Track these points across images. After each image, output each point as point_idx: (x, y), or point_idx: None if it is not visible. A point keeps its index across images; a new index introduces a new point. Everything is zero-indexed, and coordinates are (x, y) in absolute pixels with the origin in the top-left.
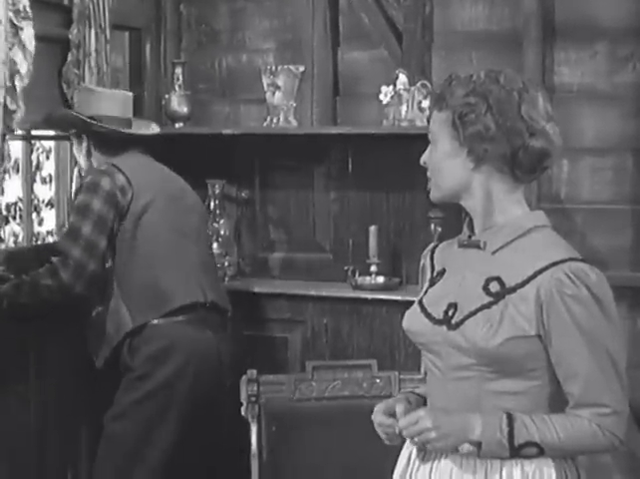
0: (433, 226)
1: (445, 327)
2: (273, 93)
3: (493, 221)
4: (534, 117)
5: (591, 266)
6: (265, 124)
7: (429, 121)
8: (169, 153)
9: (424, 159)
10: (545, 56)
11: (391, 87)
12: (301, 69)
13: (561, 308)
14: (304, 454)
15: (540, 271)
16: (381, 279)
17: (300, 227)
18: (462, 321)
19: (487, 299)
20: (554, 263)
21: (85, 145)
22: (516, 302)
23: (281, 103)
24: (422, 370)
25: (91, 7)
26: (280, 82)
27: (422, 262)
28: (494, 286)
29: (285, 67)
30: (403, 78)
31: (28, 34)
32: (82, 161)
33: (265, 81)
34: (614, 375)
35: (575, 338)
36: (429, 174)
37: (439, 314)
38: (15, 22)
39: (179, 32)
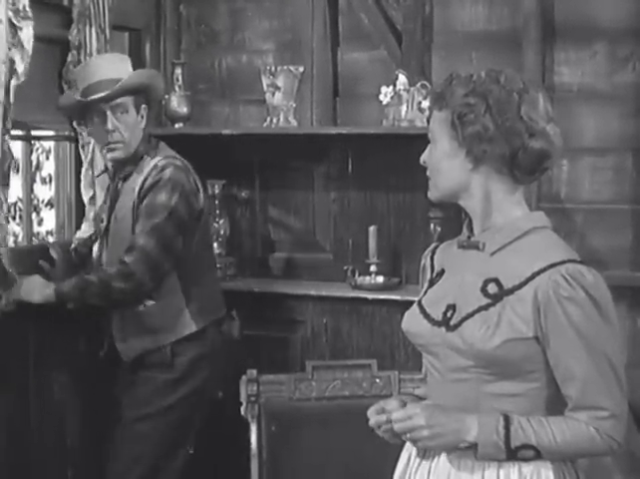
0: (433, 226)
1: (443, 329)
2: (273, 93)
3: (492, 221)
4: (534, 118)
5: (589, 268)
6: (265, 124)
7: (428, 120)
8: None
9: (423, 158)
10: (545, 56)
11: (391, 87)
12: (301, 69)
13: (558, 311)
14: (304, 454)
15: (538, 273)
16: (381, 279)
17: (300, 227)
18: (459, 323)
19: (485, 301)
20: (552, 265)
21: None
22: (514, 304)
23: (281, 103)
24: (423, 371)
25: (91, 7)
26: (280, 82)
27: (422, 263)
28: (492, 288)
29: (285, 67)
30: (402, 78)
31: (27, 34)
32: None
33: (265, 81)
34: (612, 378)
35: (572, 341)
36: (428, 173)
37: (437, 316)
38: (14, 22)
39: (179, 32)
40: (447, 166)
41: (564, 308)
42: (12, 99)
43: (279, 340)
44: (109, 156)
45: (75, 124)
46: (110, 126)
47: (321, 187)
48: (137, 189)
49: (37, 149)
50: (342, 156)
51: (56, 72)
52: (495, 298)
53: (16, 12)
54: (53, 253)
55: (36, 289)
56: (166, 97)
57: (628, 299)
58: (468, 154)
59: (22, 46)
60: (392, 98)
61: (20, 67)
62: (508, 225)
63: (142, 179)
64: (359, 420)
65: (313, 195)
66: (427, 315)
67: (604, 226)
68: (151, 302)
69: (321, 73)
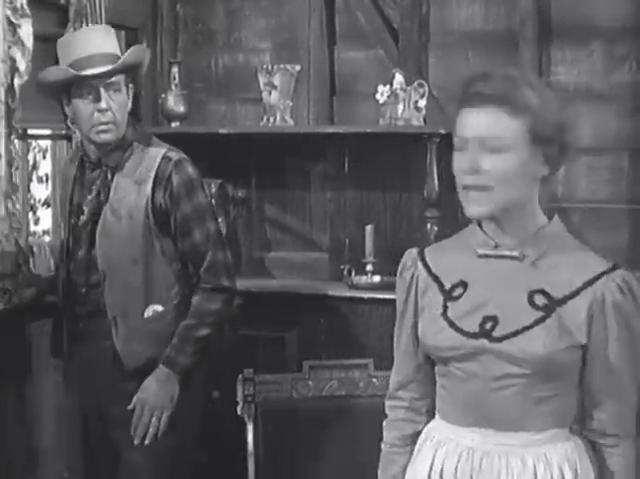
0: (429, 225)
1: (485, 340)
2: (270, 92)
3: (527, 230)
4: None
5: (631, 273)
6: (262, 123)
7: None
8: None
9: (486, 167)
10: (542, 55)
11: (387, 86)
12: (297, 68)
13: (611, 320)
14: (301, 453)
15: (590, 283)
16: (377, 279)
17: (296, 226)
18: (513, 335)
19: (539, 314)
20: (603, 273)
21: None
22: (569, 313)
23: (278, 102)
24: (413, 375)
25: (87, 6)
26: (277, 81)
27: (410, 272)
28: (540, 299)
29: (282, 66)
30: (399, 77)
31: (26, 32)
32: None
33: (262, 80)
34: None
35: (617, 352)
36: (488, 181)
37: (473, 328)
38: (13, 20)
39: (176, 31)
40: (522, 174)
41: (617, 319)
42: (17, 99)
43: (276, 340)
44: (99, 138)
45: (69, 121)
46: (104, 104)
47: (318, 186)
48: (148, 185)
49: (34, 148)
50: (339, 155)
51: None
52: (547, 310)
53: (14, 10)
54: None
55: (161, 391)
56: (163, 96)
57: None
58: (546, 160)
59: (22, 44)
60: (389, 97)
61: (22, 65)
62: (541, 233)
63: (151, 173)
64: (356, 420)
65: (310, 194)
66: (458, 329)
67: (601, 225)
68: (159, 309)
69: (318, 72)
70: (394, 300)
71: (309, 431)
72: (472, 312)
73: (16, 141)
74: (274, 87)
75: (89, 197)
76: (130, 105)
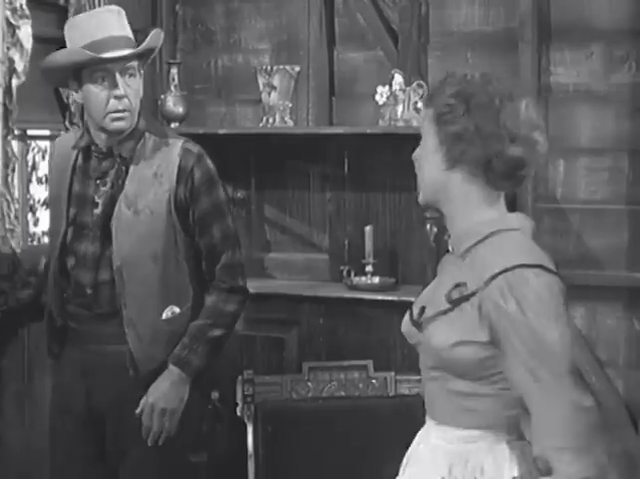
0: (429, 226)
1: (417, 329)
2: (269, 93)
3: (464, 225)
4: (513, 125)
5: (538, 272)
6: (261, 124)
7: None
8: None
9: (415, 155)
10: (541, 56)
11: (387, 87)
12: (297, 69)
13: (502, 319)
14: (300, 454)
15: (491, 279)
16: (377, 280)
17: (296, 227)
18: (425, 325)
19: (446, 305)
20: (503, 271)
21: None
22: (469, 309)
23: (277, 103)
24: None
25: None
26: (276, 82)
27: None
28: (456, 293)
29: (281, 67)
30: (398, 78)
31: (25, 33)
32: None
33: (261, 81)
34: (546, 397)
35: (516, 350)
36: (416, 169)
37: (416, 316)
38: (12, 21)
39: (175, 32)
40: (427, 162)
41: (508, 317)
42: (15, 100)
43: (275, 341)
44: (114, 125)
45: (67, 122)
46: (122, 90)
47: (317, 187)
48: (171, 179)
49: (33, 148)
50: (338, 156)
51: None
52: (455, 303)
53: (13, 11)
54: None
55: (172, 392)
56: (162, 96)
57: (625, 300)
58: (446, 153)
59: (21, 45)
60: (388, 98)
61: (20, 66)
62: (475, 227)
63: (172, 167)
64: (355, 421)
65: (309, 195)
66: (412, 317)
67: (600, 226)
68: (177, 310)
69: (317, 73)
70: (393, 301)
71: (309, 432)
72: (420, 302)
73: (14, 142)
74: (274, 88)
75: (103, 188)
76: (141, 92)
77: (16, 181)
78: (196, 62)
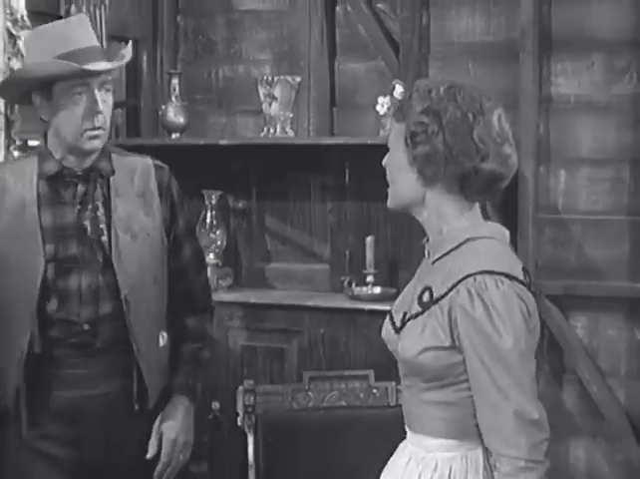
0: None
1: (396, 335)
2: (270, 103)
3: (441, 232)
4: (487, 141)
5: (498, 279)
6: (262, 134)
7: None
8: (166, 163)
9: (384, 162)
10: (542, 67)
11: (387, 97)
12: (298, 80)
13: (463, 324)
14: (301, 464)
15: (455, 285)
16: (378, 290)
17: (297, 237)
18: (399, 331)
19: (417, 309)
20: (467, 276)
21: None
22: (437, 314)
23: (278, 113)
24: None
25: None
26: (277, 93)
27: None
28: (426, 297)
29: (282, 78)
30: (399, 89)
31: None
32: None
33: (262, 92)
34: (501, 400)
35: (471, 355)
36: (387, 177)
37: (398, 323)
38: (13, 32)
39: (176, 43)
40: (402, 178)
41: (465, 324)
42: (17, 110)
43: (276, 351)
44: (90, 145)
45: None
46: (101, 106)
47: (318, 197)
48: (156, 198)
49: None
50: (339, 166)
51: None
52: (425, 307)
53: (14, 22)
54: None
55: (186, 424)
56: (163, 107)
57: (626, 310)
58: (419, 172)
59: (22, 55)
60: (389, 108)
61: None
62: (449, 235)
63: (152, 185)
64: (356, 431)
65: (310, 205)
66: (393, 323)
67: (602, 236)
68: (166, 336)
69: (318, 83)
70: None
71: (309, 442)
72: (399, 308)
73: (15, 152)
74: (274, 98)
75: (87, 214)
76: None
77: None
78: (197, 72)
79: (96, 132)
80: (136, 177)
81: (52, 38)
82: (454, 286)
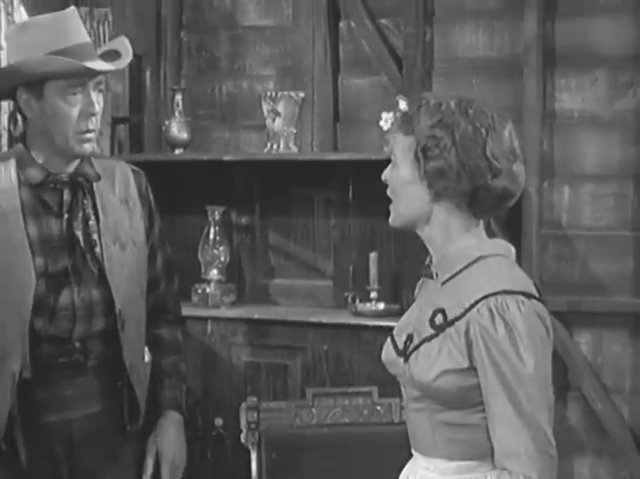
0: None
1: (402, 359)
2: (273, 119)
3: (447, 251)
4: (499, 157)
5: (519, 300)
6: (265, 150)
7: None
8: (169, 179)
9: (385, 176)
10: (546, 82)
11: (391, 113)
12: (301, 95)
13: (481, 346)
14: None
15: (473, 305)
16: (381, 306)
17: (300, 253)
18: (410, 354)
19: (430, 332)
20: (484, 297)
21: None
22: (453, 336)
23: (281, 129)
24: None
25: (91, 33)
26: (280, 108)
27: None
28: (439, 319)
29: (285, 93)
30: (403, 104)
31: None
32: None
33: (265, 107)
34: (521, 423)
35: (492, 378)
36: (389, 193)
37: (400, 345)
38: None
39: (180, 58)
40: (407, 193)
41: (486, 344)
42: (21, 126)
43: (279, 367)
44: (82, 148)
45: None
46: (96, 107)
47: (321, 213)
48: (137, 204)
49: None
50: (343, 182)
51: None
52: (439, 329)
53: None
54: None
55: (181, 441)
56: (167, 123)
57: (630, 326)
58: (428, 187)
59: None
60: (392, 124)
61: None
62: (459, 254)
63: (132, 190)
64: (360, 448)
65: (313, 221)
66: (395, 346)
67: (606, 252)
68: (146, 349)
69: (322, 99)
70: None
71: (313, 459)
72: (402, 330)
73: None
74: (278, 114)
75: (75, 224)
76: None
77: None
78: (201, 88)
79: (88, 135)
80: (116, 182)
81: (43, 32)
82: (472, 307)
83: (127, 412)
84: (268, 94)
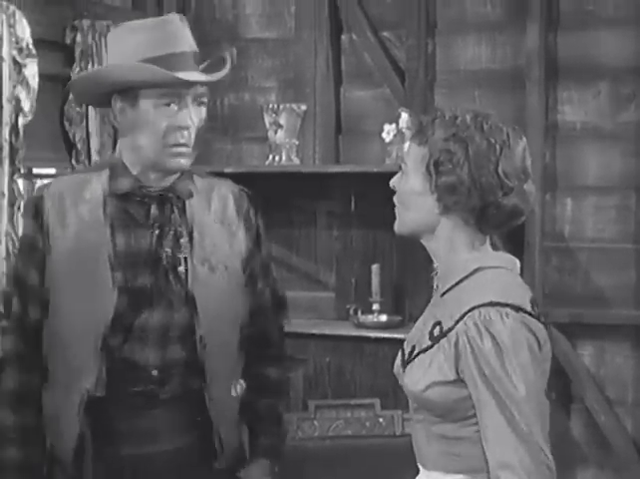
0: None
1: (402, 370)
2: (275, 131)
3: (449, 263)
4: (511, 175)
5: (505, 312)
6: (267, 162)
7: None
8: None
9: (393, 183)
10: (548, 95)
11: (393, 125)
12: (303, 107)
13: (469, 358)
14: None
15: (462, 317)
16: (384, 318)
17: (302, 265)
18: (408, 364)
19: (427, 344)
20: (473, 308)
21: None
22: (445, 347)
23: (283, 141)
24: None
25: (93, 46)
26: (282, 120)
27: None
28: (436, 331)
29: (287, 105)
30: (405, 116)
31: (31, 71)
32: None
33: (268, 119)
34: (514, 434)
35: (481, 390)
36: (395, 200)
37: (406, 356)
38: (19, 60)
39: None
40: (416, 203)
41: (474, 356)
42: (21, 138)
43: None
44: (174, 163)
45: (73, 161)
46: (189, 121)
47: (324, 224)
48: (238, 226)
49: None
50: (345, 194)
51: (57, 109)
52: (434, 341)
53: (20, 50)
54: None
55: None
56: None
57: (633, 339)
58: (438, 200)
59: (27, 83)
60: (395, 136)
61: (26, 105)
62: (458, 266)
63: (231, 211)
64: (362, 460)
65: (316, 233)
66: (403, 357)
67: (608, 264)
68: (244, 385)
69: (324, 111)
70: (400, 339)
71: (315, 471)
72: (409, 342)
73: (19, 180)
74: (280, 126)
75: (165, 241)
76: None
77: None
78: None
79: (181, 149)
80: (213, 201)
81: (139, 38)
82: (461, 318)
83: (207, 451)
84: (270, 106)
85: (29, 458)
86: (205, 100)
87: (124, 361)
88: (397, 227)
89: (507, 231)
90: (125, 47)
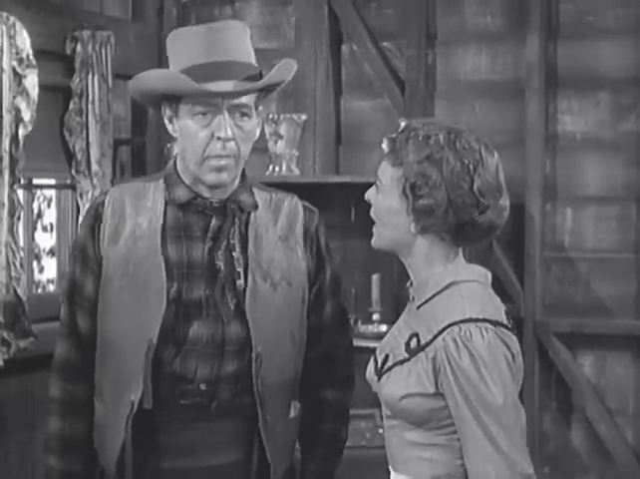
0: None
1: (377, 378)
2: (276, 142)
3: (424, 276)
4: (486, 193)
5: (482, 329)
6: (267, 172)
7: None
8: None
9: (369, 196)
10: (548, 105)
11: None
12: (303, 118)
13: (448, 374)
14: None
15: (440, 332)
16: (384, 328)
17: None
18: (383, 374)
19: (404, 356)
20: (451, 324)
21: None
22: (423, 360)
23: (284, 151)
24: None
25: (93, 57)
26: (283, 131)
27: None
28: (413, 343)
29: (287, 116)
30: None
31: (31, 82)
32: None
33: (268, 130)
34: (492, 449)
35: (460, 405)
36: (372, 214)
37: (379, 364)
38: (19, 71)
39: None
40: (392, 222)
41: (453, 372)
42: (21, 149)
43: None
44: (212, 177)
45: (73, 171)
46: (229, 132)
47: None
48: (300, 241)
49: (38, 197)
50: (345, 204)
51: (57, 120)
52: (411, 353)
53: (20, 61)
54: None
55: None
56: (169, 145)
57: (633, 349)
58: (415, 221)
59: (27, 94)
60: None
61: (26, 115)
62: (432, 279)
63: (297, 227)
64: (362, 471)
65: None
66: (375, 364)
67: (609, 274)
68: (298, 406)
69: (324, 121)
70: None
71: None
72: (382, 350)
73: (19, 190)
74: (280, 136)
75: (220, 254)
76: (257, 135)
77: (21, 229)
78: None
79: (221, 162)
80: (280, 217)
81: (183, 46)
82: (439, 334)
83: (255, 471)
84: (270, 116)
85: (74, 467)
86: (248, 110)
87: (172, 374)
88: (374, 242)
89: (482, 244)
90: (172, 54)
